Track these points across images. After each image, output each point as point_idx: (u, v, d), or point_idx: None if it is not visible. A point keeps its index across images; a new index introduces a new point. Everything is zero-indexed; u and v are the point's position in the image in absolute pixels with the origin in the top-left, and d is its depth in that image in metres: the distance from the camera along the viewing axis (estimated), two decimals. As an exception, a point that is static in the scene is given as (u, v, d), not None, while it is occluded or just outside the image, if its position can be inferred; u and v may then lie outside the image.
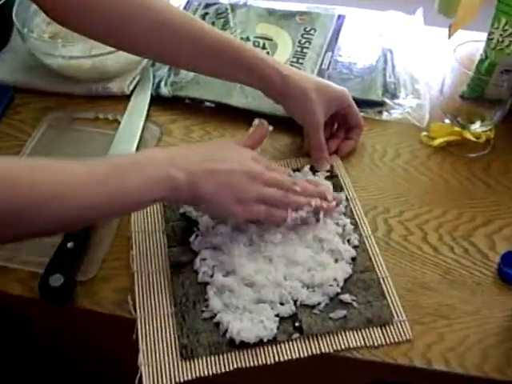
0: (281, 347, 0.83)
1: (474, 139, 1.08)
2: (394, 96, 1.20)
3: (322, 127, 1.04)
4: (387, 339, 0.84)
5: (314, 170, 1.04)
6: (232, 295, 0.87)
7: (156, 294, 0.90)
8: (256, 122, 1.00)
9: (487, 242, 0.96)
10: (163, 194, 0.84)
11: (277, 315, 0.85)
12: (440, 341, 0.84)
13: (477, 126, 1.08)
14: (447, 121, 1.11)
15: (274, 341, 0.83)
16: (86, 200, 0.78)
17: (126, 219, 0.98)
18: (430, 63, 1.28)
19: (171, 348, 0.84)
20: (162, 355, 0.83)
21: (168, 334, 0.85)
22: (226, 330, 0.84)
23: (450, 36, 1.18)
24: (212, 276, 0.89)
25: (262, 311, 0.85)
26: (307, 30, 1.31)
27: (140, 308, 0.88)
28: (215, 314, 0.86)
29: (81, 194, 0.77)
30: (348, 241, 0.95)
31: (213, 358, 0.83)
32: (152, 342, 0.84)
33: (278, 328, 0.84)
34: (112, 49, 1.11)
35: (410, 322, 0.86)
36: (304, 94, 1.03)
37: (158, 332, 0.86)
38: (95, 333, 0.97)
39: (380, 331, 0.85)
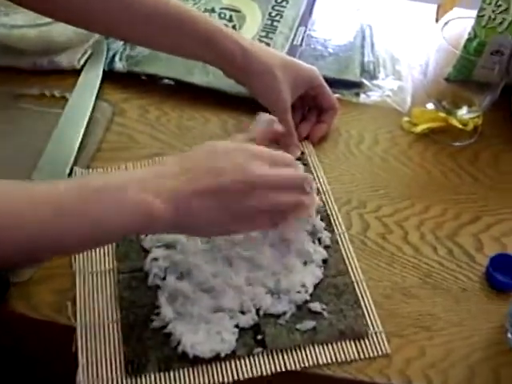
0: (240, 363, 0.75)
1: (460, 126, 1.01)
2: (372, 77, 1.12)
3: (289, 109, 0.95)
4: (361, 354, 0.77)
5: None
6: (186, 302, 0.78)
7: (100, 298, 0.81)
8: (258, 117, 0.94)
9: (474, 243, 0.89)
10: (137, 229, 0.70)
11: (236, 326, 0.77)
12: (420, 356, 0.77)
13: (464, 112, 1.01)
14: (431, 105, 1.04)
15: (232, 355, 0.75)
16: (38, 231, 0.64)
17: None
18: (413, 42, 1.21)
19: (115, 362, 0.75)
20: (104, 371, 0.75)
21: (112, 345, 0.77)
22: (179, 343, 0.75)
23: (437, 19, 1.10)
24: (164, 279, 0.81)
25: (219, 321, 0.77)
26: (278, 1, 1.22)
27: (80, 314, 0.79)
28: (166, 324, 0.77)
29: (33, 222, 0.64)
30: (319, 240, 0.87)
31: (162, 375, 0.74)
32: (93, 355, 0.76)
33: (237, 341, 0.76)
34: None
35: (388, 333, 0.78)
36: (268, 71, 0.93)
37: (100, 343, 0.77)
38: (32, 340, 0.88)
39: (353, 345, 0.77)
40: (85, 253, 0.84)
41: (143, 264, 0.82)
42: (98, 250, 0.85)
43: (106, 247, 0.85)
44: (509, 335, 0.78)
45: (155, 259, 0.82)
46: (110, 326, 0.78)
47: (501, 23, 0.97)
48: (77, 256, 0.84)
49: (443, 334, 0.79)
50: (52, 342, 0.83)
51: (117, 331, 0.77)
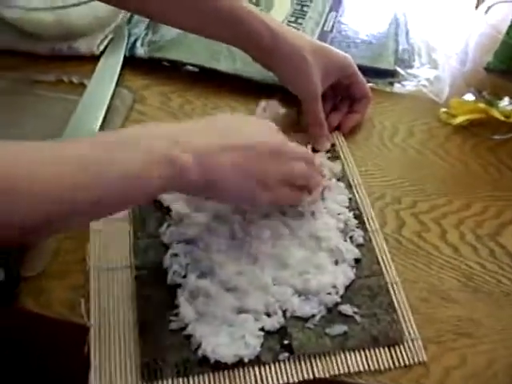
0: (265, 369, 0.70)
1: (501, 118, 0.94)
2: (407, 66, 1.07)
3: (319, 97, 0.90)
4: (396, 362, 0.71)
5: (312, 149, 0.91)
6: (208, 302, 0.73)
7: (115, 297, 0.76)
8: (262, 104, 0.87)
9: None
10: (165, 183, 0.66)
11: (261, 329, 0.72)
12: (461, 364, 0.72)
13: (506, 103, 0.95)
14: (469, 96, 0.98)
15: (257, 361, 0.70)
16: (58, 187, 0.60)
17: None
18: (450, 29, 1.15)
19: (130, 366, 0.70)
20: (118, 374, 0.70)
21: (127, 347, 0.72)
22: (199, 346, 0.70)
23: (477, 5, 1.06)
24: (184, 277, 0.76)
25: (243, 323, 0.72)
26: (308, -15, 1.16)
27: (94, 313, 0.74)
28: (186, 325, 0.72)
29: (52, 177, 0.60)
30: (351, 238, 0.81)
31: (181, 381, 0.69)
32: (107, 357, 0.71)
33: (262, 345, 0.71)
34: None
35: (425, 340, 0.73)
36: (299, 56, 0.88)
37: (114, 344, 0.72)
38: (43, 338, 0.84)
39: (388, 352, 0.72)
40: (100, 247, 0.80)
41: (162, 260, 0.78)
42: (114, 244, 0.80)
43: (123, 241, 0.80)
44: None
45: (175, 255, 0.78)
46: (126, 326, 0.73)
47: (547, 5, 0.92)
48: (92, 251, 0.79)
49: (485, 341, 0.74)
50: (64, 341, 0.79)
51: (132, 332, 0.73)
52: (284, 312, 0.73)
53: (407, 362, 0.71)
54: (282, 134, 0.78)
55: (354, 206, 0.84)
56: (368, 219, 0.84)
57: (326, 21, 1.10)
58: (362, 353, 0.71)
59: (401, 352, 0.72)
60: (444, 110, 0.99)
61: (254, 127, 0.76)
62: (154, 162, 0.64)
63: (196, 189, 0.70)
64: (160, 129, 0.70)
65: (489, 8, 0.92)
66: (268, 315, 0.73)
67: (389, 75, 1.04)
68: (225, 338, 0.70)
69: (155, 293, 0.75)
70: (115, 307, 0.75)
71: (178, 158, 0.65)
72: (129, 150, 0.63)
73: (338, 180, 0.87)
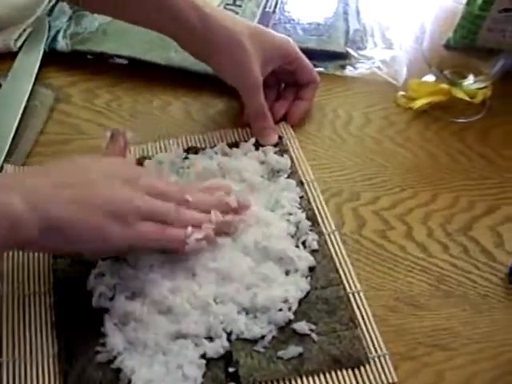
0: None
1: (467, 99, 0.88)
2: (359, 47, 1.00)
3: (261, 87, 0.82)
4: None
5: (257, 145, 0.83)
6: (139, 327, 0.65)
7: (33, 327, 0.67)
8: (108, 134, 0.75)
9: (492, 237, 0.76)
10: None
11: (203, 356, 0.64)
12: (439, 381, 0.65)
13: (470, 82, 0.88)
14: (430, 77, 0.92)
15: None
16: None
17: None
18: (404, 6, 1.09)
19: None
20: None
21: None
22: (129, 382, 0.61)
23: None
24: (112, 299, 0.67)
25: (181, 351, 0.63)
26: (248, -36, 1.08)
27: (7, 347, 0.65)
28: (115, 357, 0.63)
29: None
30: (303, 243, 0.73)
31: None
32: None
33: (204, 375, 0.63)
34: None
35: (396, 356, 0.65)
36: (234, 42, 0.80)
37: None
38: None
39: (352, 374, 0.63)
40: (15, 270, 0.71)
41: (86, 281, 0.68)
42: (31, 266, 0.71)
43: (41, 263, 0.71)
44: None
45: (101, 275, 0.69)
46: (45, 361, 0.64)
47: (511, -26, 0.85)
48: (5, 274, 0.70)
49: (464, 352, 0.67)
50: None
51: (53, 369, 0.64)
52: (229, 334, 0.65)
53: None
54: (141, 169, 0.75)
55: (306, 206, 0.76)
56: (323, 220, 0.75)
57: (267, 1, 1.03)
58: (322, 377, 0.63)
59: (367, 373, 0.63)
60: (402, 93, 0.93)
61: (97, 164, 0.67)
62: None
63: (39, 238, 0.60)
64: None
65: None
66: (210, 339, 0.65)
67: (340, 58, 0.97)
68: (159, 369, 0.62)
69: (79, 320, 0.67)
70: (33, 339, 0.66)
71: (7, 205, 0.57)
72: None
73: (288, 177, 0.78)
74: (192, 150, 0.81)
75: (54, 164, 0.67)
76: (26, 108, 0.89)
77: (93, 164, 0.66)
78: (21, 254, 0.72)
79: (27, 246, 0.63)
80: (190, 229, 0.66)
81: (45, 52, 0.96)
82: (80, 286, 0.68)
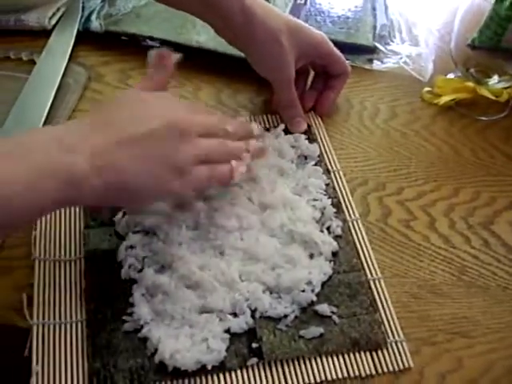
0: (231, 377, 0.63)
1: (492, 97, 0.89)
2: (386, 42, 1.01)
3: (293, 80, 0.83)
4: (379, 368, 0.65)
5: (286, 131, 0.84)
6: (166, 300, 0.66)
7: (63, 293, 0.68)
8: (153, 54, 0.75)
9: None
10: (57, 196, 0.57)
11: (227, 331, 0.65)
12: (458, 368, 0.66)
13: (495, 81, 0.89)
14: (454, 75, 0.93)
15: (221, 367, 0.64)
16: None
17: None
18: (431, 3, 1.10)
19: (77, 373, 0.63)
20: (64, 382, 0.62)
21: (74, 351, 0.64)
22: (156, 351, 0.63)
23: None
24: (141, 271, 0.69)
25: (206, 324, 0.65)
26: (279, -43, 1.08)
27: (38, 312, 0.66)
28: (141, 327, 0.65)
29: None
30: (328, 229, 0.74)
31: None
32: (51, 363, 0.63)
33: (227, 349, 0.64)
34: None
35: (417, 341, 0.67)
36: (273, 38, 0.80)
37: (59, 348, 0.64)
38: None
39: (369, 357, 0.65)
40: (47, 238, 0.72)
41: (116, 252, 0.70)
42: (63, 233, 0.72)
43: (73, 231, 0.72)
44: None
45: (131, 247, 0.70)
46: (74, 326, 0.65)
47: (540, -24, 0.85)
48: (37, 241, 0.71)
49: (484, 341, 0.68)
50: (8, 348, 0.69)
51: (81, 334, 0.65)
52: (253, 312, 0.67)
53: (391, 368, 0.64)
54: (184, 104, 0.72)
55: (331, 193, 0.77)
56: (347, 207, 0.77)
57: None
58: (341, 357, 0.65)
59: (384, 357, 0.65)
60: (428, 89, 0.94)
61: (150, 107, 0.67)
62: (42, 176, 0.56)
63: (100, 196, 0.61)
64: (45, 134, 0.60)
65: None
66: (235, 315, 0.66)
67: (367, 52, 0.99)
68: (185, 341, 0.63)
69: (107, 289, 0.68)
70: (62, 304, 0.67)
71: (71, 167, 0.57)
72: (12, 165, 0.55)
73: (316, 164, 0.80)
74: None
75: (117, 108, 0.66)
76: (60, 85, 0.89)
77: (151, 109, 0.66)
78: (53, 221, 0.73)
79: (88, 203, 0.64)
80: (234, 162, 0.67)
81: (78, 31, 0.97)
82: (110, 256, 0.70)
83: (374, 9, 1.04)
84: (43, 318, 0.65)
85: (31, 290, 0.67)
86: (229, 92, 0.91)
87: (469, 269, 0.74)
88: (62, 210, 0.74)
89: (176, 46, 0.93)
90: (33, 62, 0.93)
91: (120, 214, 0.73)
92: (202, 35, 0.94)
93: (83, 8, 1.00)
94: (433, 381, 0.64)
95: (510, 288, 0.72)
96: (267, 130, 0.84)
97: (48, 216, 0.73)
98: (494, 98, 0.88)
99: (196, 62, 0.94)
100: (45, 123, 0.83)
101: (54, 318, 0.66)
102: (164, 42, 0.95)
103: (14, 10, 0.98)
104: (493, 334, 0.68)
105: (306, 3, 1.01)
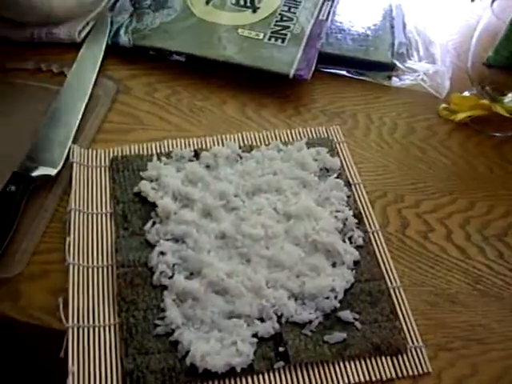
0: (259, 379, 0.66)
1: (506, 114, 0.90)
2: (404, 60, 1.02)
3: None
4: (399, 372, 0.67)
5: (309, 144, 0.85)
6: (196, 305, 0.68)
7: (96, 297, 0.70)
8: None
9: None
10: None
11: (255, 335, 0.67)
12: (474, 373, 0.68)
13: (510, 99, 0.90)
14: (470, 92, 0.95)
15: (250, 370, 0.66)
16: None
17: (67, 199, 0.79)
18: (448, 23, 1.11)
19: (111, 374, 0.65)
20: (98, 382, 0.64)
21: (108, 353, 0.66)
22: (187, 353, 0.65)
23: None
24: (171, 277, 0.71)
25: (235, 329, 0.67)
26: (302, -24, 1.10)
27: (73, 315, 0.68)
28: (173, 330, 0.67)
29: None
30: (350, 239, 0.76)
31: None
32: (86, 364, 0.65)
33: (255, 353, 0.66)
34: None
35: (434, 347, 0.69)
36: None
37: (94, 350, 0.66)
38: (21, 346, 0.79)
39: (390, 361, 0.68)
40: (80, 245, 0.74)
41: (148, 259, 0.72)
42: (95, 241, 0.75)
43: (105, 238, 0.75)
44: None
45: (162, 254, 0.73)
46: (107, 329, 0.68)
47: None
48: (71, 248, 0.73)
49: (498, 348, 0.70)
50: (44, 349, 0.73)
51: (114, 337, 0.67)
52: (279, 317, 0.69)
53: (410, 373, 0.67)
54: None
55: (353, 205, 0.79)
56: (368, 219, 0.79)
57: (320, 10, 1.05)
58: (363, 362, 0.67)
59: (404, 362, 0.67)
60: (444, 105, 0.95)
61: None
62: None
63: None
64: None
65: (493, 0, 0.87)
66: (262, 320, 0.68)
67: (386, 69, 1.00)
68: (215, 344, 0.65)
69: (139, 294, 0.70)
70: (96, 308, 0.69)
71: None
72: None
73: (337, 177, 0.82)
74: (247, 147, 0.84)
75: None
76: (90, 97, 0.91)
77: None
78: (85, 229, 0.75)
79: None
80: None
81: (107, 45, 0.99)
82: (141, 263, 0.72)
83: (392, 27, 1.05)
84: (78, 321, 0.67)
85: (66, 294, 0.69)
86: (253, 106, 0.93)
87: (484, 279, 0.75)
88: (94, 220, 0.76)
89: (202, 61, 0.96)
90: (63, 75, 0.95)
91: (150, 224, 0.75)
92: (228, 49, 0.96)
93: (112, 22, 1.02)
94: (449, 384, 0.66)
95: None
96: (291, 143, 0.85)
97: (81, 224, 0.75)
98: (508, 115, 0.90)
99: (221, 76, 0.96)
100: (77, 132, 0.86)
101: (89, 322, 0.68)
102: (190, 57, 0.97)
103: (45, 23, 0.99)
104: (508, 341, 0.70)
105: (327, 20, 1.03)
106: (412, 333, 0.69)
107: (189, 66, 0.98)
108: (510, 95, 0.90)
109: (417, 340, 0.68)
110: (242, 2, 1.05)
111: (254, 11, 1.03)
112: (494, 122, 0.92)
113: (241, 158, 0.83)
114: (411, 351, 0.68)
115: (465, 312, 0.73)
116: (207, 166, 0.82)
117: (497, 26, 0.86)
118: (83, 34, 1.01)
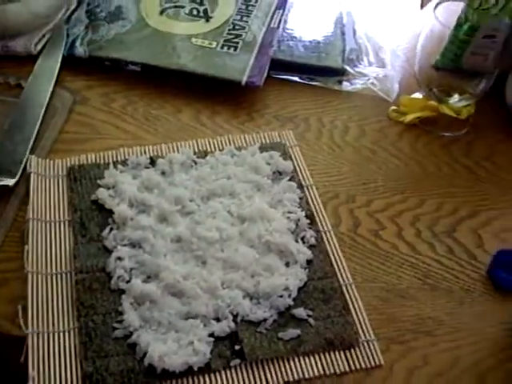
0: (216, 377, 0.67)
1: (453, 115, 0.93)
2: (355, 65, 1.05)
3: None
4: (353, 365, 0.69)
5: (262, 149, 0.87)
6: (153, 307, 0.70)
7: (55, 303, 0.71)
8: None
9: (473, 239, 0.83)
10: None
11: (211, 334, 0.69)
12: (424, 364, 0.70)
13: (456, 100, 0.93)
14: (418, 94, 0.97)
15: (207, 368, 0.67)
16: None
17: (25, 208, 0.80)
18: (396, 28, 1.14)
19: (71, 376, 0.66)
20: None
21: (68, 357, 0.67)
22: (145, 354, 0.66)
23: (422, 5, 1.05)
24: (129, 281, 0.72)
25: (191, 329, 0.68)
26: (254, -15, 1.12)
27: (32, 321, 0.69)
28: (131, 333, 0.68)
29: None
30: (302, 239, 0.78)
31: None
32: (46, 368, 0.66)
33: (212, 352, 0.68)
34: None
35: (386, 340, 0.72)
36: None
37: (54, 354, 0.67)
38: None
39: (343, 355, 0.69)
40: (39, 253, 0.75)
41: (105, 264, 0.73)
42: (53, 248, 0.76)
43: (63, 245, 0.76)
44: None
45: (120, 259, 0.74)
46: (67, 334, 0.69)
47: (495, 4, 0.89)
48: (30, 256, 0.74)
49: (448, 339, 0.73)
50: (5, 355, 0.74)
51: (74, 341, 0.68)
52: (234, 316, 0.70)
53: (363, 365, 0.68)
54: None
55: (305, 206, 0.81)
56: (320, 219, 0.81)
57: (272, 18, 1.06)
58: (317, 357, 0.69)
59: (356, 355, 0.69)
60: (394, 107, 0.98)
61: None
62: None
63: None
64: None
65: (437, 4, 0.90)
66: (218, 320, 0.70)
67: (337, 74, 1.02)
68: (172, 345, 0.67)
69: (98, 299, 0.71)
70: (55, 314, 0.70)
71: None
72: None
73: (290, 180, 0.84)
74: (202, 153, 0.86)
75: None
76: (47, 108, 0.92)
77: None
78: (43, 237, 0.76)
79: None
80: None
81: (63, 57, 0.99)
82: (99, 268, 0.73)
83: (343, 34, 1.08)
84: (37, 327, 0.68)
85: (26, 302, 0.70)
86: (207, 113, 0.94)
87: (433, 273, 0.78)
88: (53, 228, 0.77)
89: (157, 70, 0.97)
90: (20, 87, 0.96)
91: (107, 230, 0.76)
92: (182, 58, 0.97)
93: (67, 34, 1.03)
94: (401, 376, 0.68)
95: (472, 290, 0.77)
96: (244, 148, 0.87)
97: (39, 233, 0.76)
98: (455, 115, 0.92)
99: (176, 84, 0.98)
100: (34, 142, 0.87)
101: (48, 327, 0.69)
102: (145, 66, 0.98)
103: (1, 37, 1.00)
104: (456, 332, 0.73)
105: (279, 28, 1.04)
106: (364, 327, 0.71)
107: (144, 75, 0.99)
108: (455, 96, 0.93)
109: (369, 334, 0.70)
110: (195, 12, 1.07)
111: (207, 20, 1.05)
112: (442, 122, 0.95)
113: (196, 163, 0.84)
114: (363, 345, 0.69)
115: (415, 306, 0.75)
116: (163, 173, 0.83)
117: (441, 30, 0.88)
118: (39, 47, 1.01)
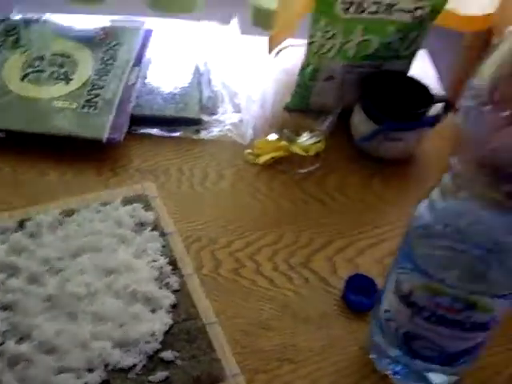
0: None
1: (302, 153, 0.99)
2: (212, 112, 1.10)
3: None
4: None
5: (125, 202, 0.90)
6: (28, 366, 0.72)
7: None
8: None
9: (328, 267, 0.88)
10: None
11: None
12: None
13: (304, 139, 0.99)
14: (273, 136, 1.03)
15: None
16: None
17: None
18: (250, 75, 1.18)
19: None
20: None
21: None
22: None
23: (270, 50, 1.09)
24: (2, 344, 0.74)
25: (66, 383, 0.71)
26: (111, 45, 1.17)
27: None
28: None
29: None
30: (166, 285, 0.82)
31: None
32: None
33: None
34: None
35: (252, 371, 0.76)
36: None
37: None
38: None
39: None
40: None
41: (-23, 330, 0.75)
42: None
43: None
44: (372, 356, 0.77)
45: None
46: None
47: (330, 49, 0.97)
48: None
49: (307, 363, 0.77)
50: None
51: None
52: (106, 365, 0.73)
53: None
54: None
55: (168, 253, 0.85)
56: (183, 264, 0.84)
57: (129, 75, 1.10)
58: (187, 395, 0.72)
59: (224, 388, 0.73)
60: (248, 151, 1.02)
61: None
62: None
63: None
64: None
65: (278, 52, 0.97)
66: (90, 371, 0.72)
67: (195, 123, 1.07)
68: None
69: None
70: None
71: None
72: None
73: (152, 230, 0.87)
74: (68, 212, 0.88)
75: None
76: None
77: None
78: None
79: None
80: None
81: None
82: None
83: (199, 83, 1.12)
84: None
85: None
86: (73, 172, 0.96)
87: (291, 303, 0.82)
88: None
89: (21, 135, 1.00)
90: None
91: (-22, 296, 0.78)
92: (46, 122, 1.00)
93: None
94: (267, 403, 0.72)
95: (329, 314, 0.81)
96: (109, 204, 0.90)
97: None
98: (304, 153, 0.98)
99: (41, 147, 0.99)
100: None
101: None
102: (9, 132, 1.00)
103: None
104: (314, 356, 0.77)
105: (135, 84, 1.08)
106: (230, 361, 0.75)
107: (9, 141, 1.00)
108: (305, 135, 0.98)
109: (234, 368, 0.74)
110: (55, 75, 1.10)
111: (68, 83, 1.08)
112: (295, 160, 1.00)
113: (63, 223, 0.87)
114: (229, 379, 0.73)
115: (276, 336, 0.79)
116: (31, 235, 0.85)
117: (285, 74, 0.95)
118: None
